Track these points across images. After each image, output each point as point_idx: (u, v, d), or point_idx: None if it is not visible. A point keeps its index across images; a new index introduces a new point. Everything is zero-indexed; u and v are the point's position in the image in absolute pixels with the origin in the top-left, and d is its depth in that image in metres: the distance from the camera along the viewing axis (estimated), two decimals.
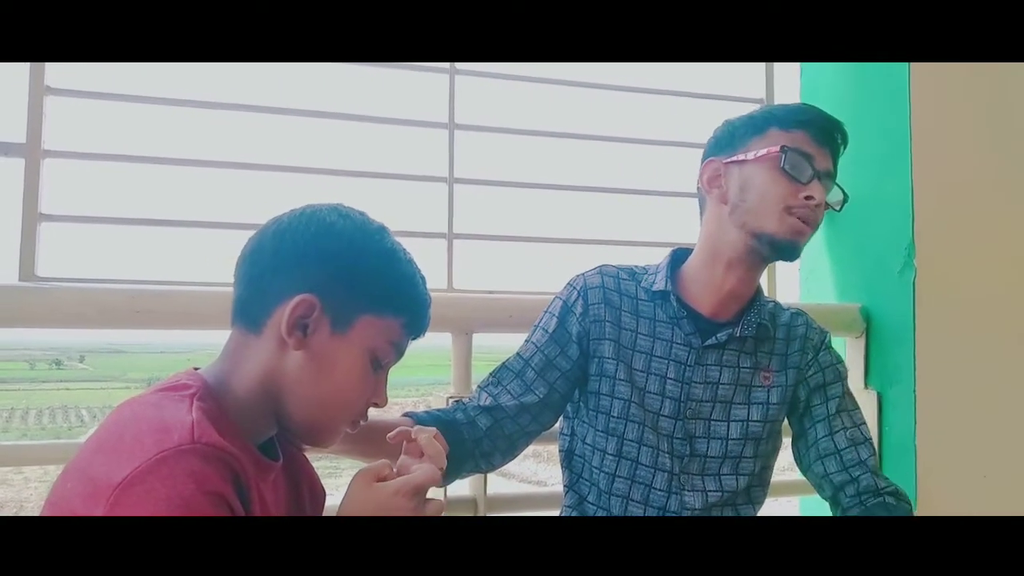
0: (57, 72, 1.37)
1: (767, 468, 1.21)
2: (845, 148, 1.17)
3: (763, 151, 1.12)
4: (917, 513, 1.59)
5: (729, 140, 1.17)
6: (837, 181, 1.17)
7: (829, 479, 1.18)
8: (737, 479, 1.16)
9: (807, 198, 1.10)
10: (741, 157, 1.14)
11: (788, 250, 1.14)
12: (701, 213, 1.22)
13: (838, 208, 1.17)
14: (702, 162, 1.20)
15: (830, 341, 1.24)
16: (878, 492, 1.15)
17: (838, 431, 1.18)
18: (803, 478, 1.24)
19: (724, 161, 1.16)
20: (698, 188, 1.21)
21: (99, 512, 0.64)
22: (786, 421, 1.23)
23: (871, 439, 1.20)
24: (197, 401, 0.73)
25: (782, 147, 1.10)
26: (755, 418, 1.17)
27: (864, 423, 1.22)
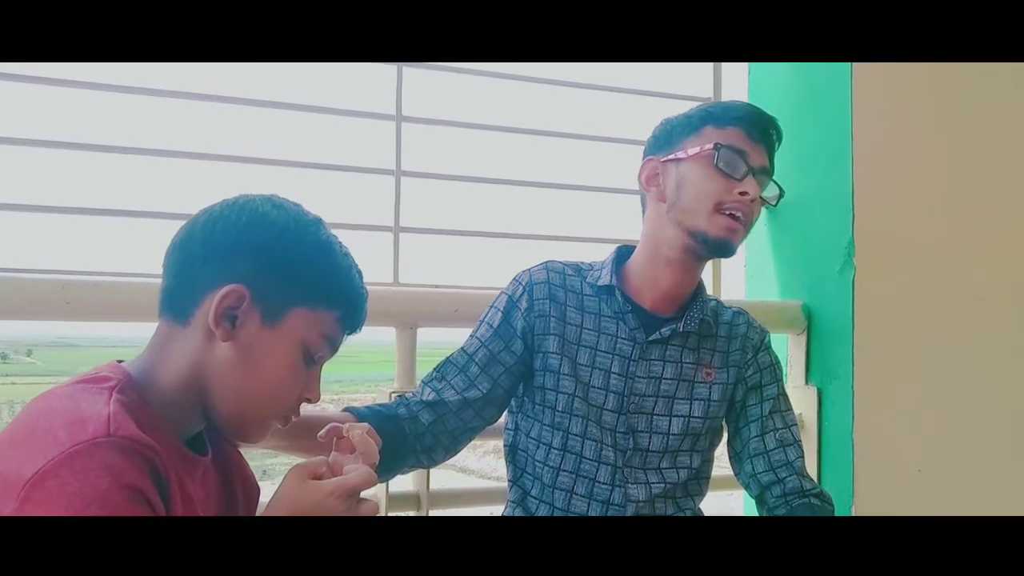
0: None
1: (707, 462, 1.23)
2: (780, 144, 1.19)
3: (697, 149, 1.13)
4: (854, 505, 1.64)
5: (667, 139, 1.18)
6: (774, 178, 1.19)
7: (756, 479, 1.20)
8: (677, 472, 1.18)
9: (741, 194, 1.11)
10: (677, 155, 1.15)
11: (723, 248, 1.15)
12: (643, 211, 1.23)
13: (774, 203, 1.19)
14: (642, 161, 1.21)
15: (769, 341, 1.27)
16: (803, 493, 1.18)
17: (768, 432, 1.21)
18: None
19: (661, 159, 1.18)
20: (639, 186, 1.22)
21: (9, 509, 0.62)
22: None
23: (800, 441, 1.23)
24: (116, 394, 0.70)
25: (716, 144, 1.12)
26: (696, 414, 1.18)
27: (796, 424, 1.24)
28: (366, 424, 0.87)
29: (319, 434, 0.86)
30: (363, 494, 0.79)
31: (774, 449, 1.20)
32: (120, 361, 0.80)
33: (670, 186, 1.16)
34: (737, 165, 1.12)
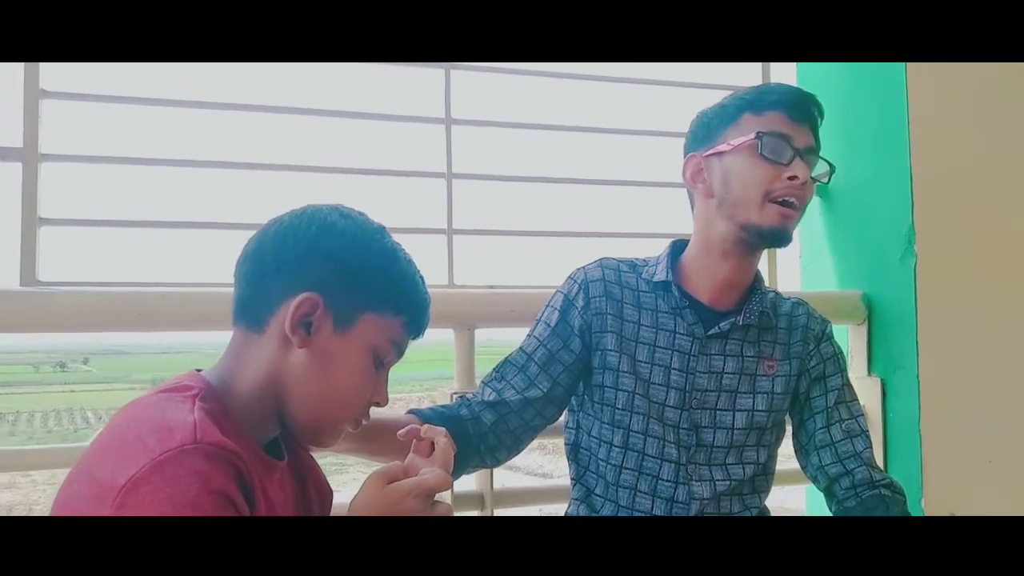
0: (52, 75, 1.37)
1: (772, 458, 1.21)
2: (823, 119, 1.15)
3: (740, 140, 1.11)
4: (923, 497, 1.60)
5: (706, 132, 1.16)
6: (822, 155, 1.15)
7: (824, 471, 1.18)
8: (743, 468, 1.16)
9: (791, 178, 1.09)
10: (720, 148, 1.13)
11: (778, 237, 1.13)
12: (692, 206, 1.22)
13: (826, 180, 1.16)
14: (684, 157, 1.20)
15: (831, 331, 1.24)
16: (873, 484, 1.15)
17: (835, 423, 1.18)
18: None
19: (704, 155, 1.16)
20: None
21: (106, 513, 0.64)
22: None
23: (867, 431, 1.20)
24: (199, 401, 0.73)
25: (757, 133, 1.10)
26: (760, 408, 1.17)
27: (862, 415, 1.21)
28: (443, 428, 0.88)
29: (399, 433, 0.88)
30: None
31: (841, 440, 1.17)
32: (199, 370, 0.83)
33: (716, 181, 1.14)
34: (783, 150, 1.09)
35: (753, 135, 1.10)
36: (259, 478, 0.75)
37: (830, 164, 1.16)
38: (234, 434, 0.73)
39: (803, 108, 1.12)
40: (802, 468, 1.23)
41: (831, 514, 1.19)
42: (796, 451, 1.23)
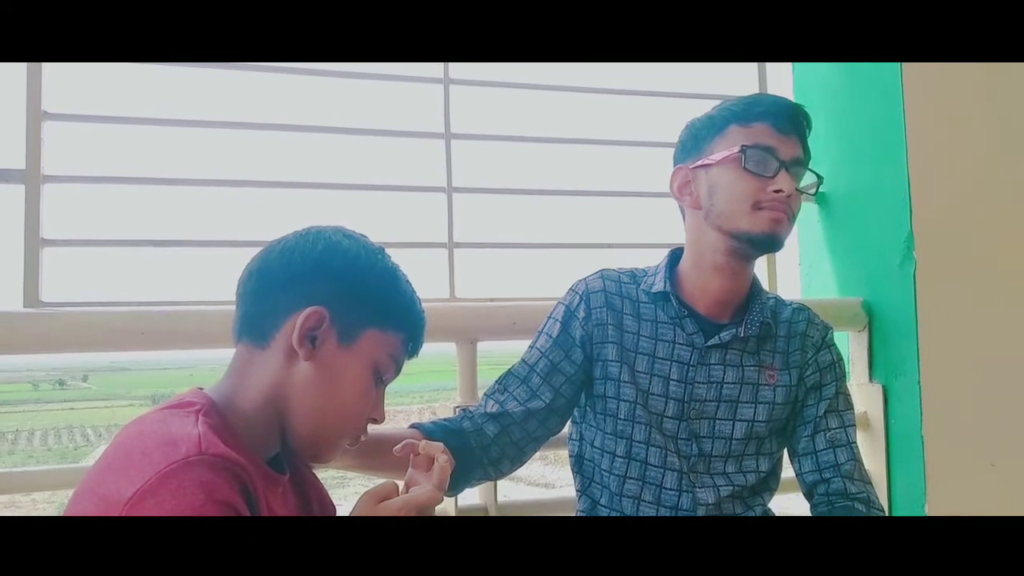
0: (54, 97, 1.38)
1: (775, 464, 1.21)
2: (811, 129, 1.15)
3: (724, 153, 1.11)
4: (927, 502, 1.60)
5: (694, 144, 1.17)
6: (812, 166, 1.16)
7: (802, 478, 1.19)
8: (744, 476, 1.17)
9: (776, 192, 1.09)
10: (706, 161, 1.14)
11: (769, 243, 1.13)
12: (683, 217, 1.22)
13: (812, 192, 1.16)
14: (672, 169, 1.20)
15: (832, 338, 1.24)
16: (848, 496, 1.14)
17: (820, 432, 1.18)
18: None
19: (691, 167, 1.16)
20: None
21: None
22: None
23: (854, 443, 1.19)
24: (202, 416, 0.74)
25: (742, 147, 1.10)
26: (760, 418, 1.17)
27: (853, 425, 1.20)
28: (441, 444, 0.88)
29: (395, 448, 0.89)
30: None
31: (823, 450, 1.17)
32: (200, 388, 0.83)
33: (703, 193, 1.15)
34: (767, 163, 1.09)
35: (737, 148, 1.10)
36: (263, 491, 0.76)
37: (818, 176, 1.16)
38: (236, 448, 0.74)
39: (790, 119, 1.12)
40: (794, 473, 1.23)
41: None
42: (788, 456, 1.24)
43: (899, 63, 1.66)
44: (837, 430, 1.18)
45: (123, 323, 1.27)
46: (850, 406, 1.22)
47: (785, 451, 1.23)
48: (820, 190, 1.16)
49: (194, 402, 0.77)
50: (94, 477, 0.72)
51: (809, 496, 1.19)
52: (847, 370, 1.67)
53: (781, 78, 1.89)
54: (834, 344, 1.24)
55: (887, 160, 1.69)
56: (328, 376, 0.82)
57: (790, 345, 1.20)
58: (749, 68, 1.85)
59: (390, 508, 0.79)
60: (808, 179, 1.16)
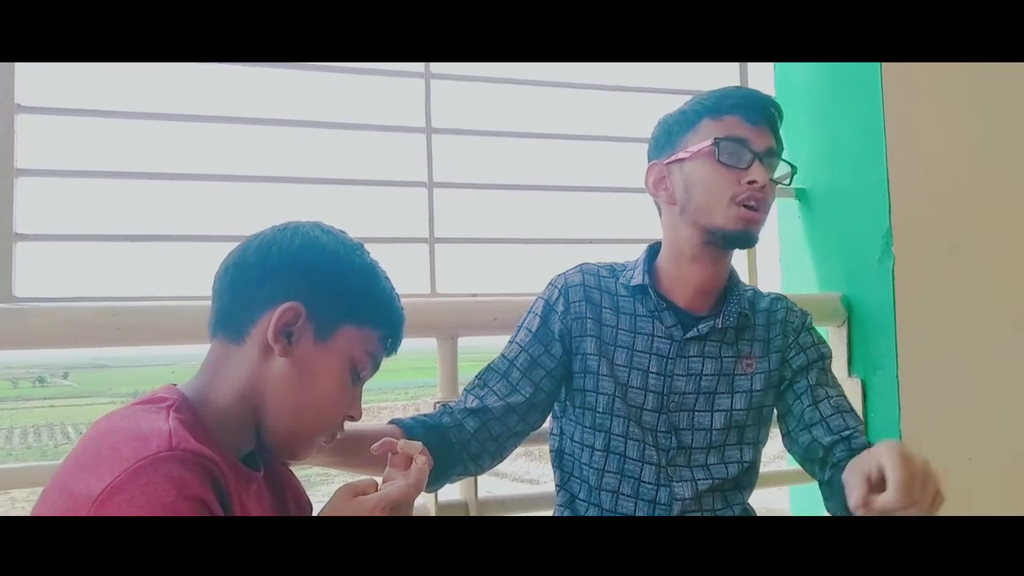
0: (27, 90, 1.36)
1: (756, 455, 1.21)
2: (782, 120, 1.16)
3: (698, 146, 1.12)
4: None
5: (667, 139, 1.17)
6: (784, 157, 1.16)
7: (818, 443, 1.13)
8: (726, 467, 1.17)
9: (750, 183, 1.10)
10: (679, 156, 1.14)
11: (743, 239, 1.14)
12: (659, 213, 1.23)
13: (787, 182, 1.17)
14: (647, 165, 1.20)
15: (811, 323, 1.24)
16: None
17: (822, 400, 1.16)
18: (793, 468, 1.23)
19: (665, 162, 1.17)
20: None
21: None
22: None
23: (856, 411, 1.18)
24: (173, 412, 0.73)
25: (715, 139, 1.11)
26: (739, 407, 1.17)
27: (845, 397, 1.19)
28: (419, 444, 0.88)
29: (372, 447, 0.88)
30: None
31: (832, 415, 1.14)
32: (174, 384, 0.82)
33: (678, 188, 1.15)
34: (741, 155, 1.10)
35: (710, 141, 1.11)
36: (235, 488, 0.75)
37: (792, 166, 1.17)
38: (209, 444, 0.73)
39: (761, 110, 1.13)
40: (792, 453, 1.20)
41: (819, 488, 1.15)
42: (786, 439, 1.21)
43: (879, 63, 1.67)
44: (838, 398, 1.17)
45: (98, 318, 1.25)
46: (838, 383, 1.22)
47: (775, 450, 1.22)
48: (799, 185, 1.17)
49: (166, 398, 0.76)
50: (63, 474, 0.71)
51: (824, 461, 1.12)
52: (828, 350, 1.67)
53: (763, 77, 1.90)
54: (814, 328, 1.24)
55: (867, 158, 1.70)
56: (304, 372, 0.81)
57: (770, 332, 1.20)
58: (731, 67, 1.85)
59: (365, 503, 0.78)
60: (782, 170, 1.16)
